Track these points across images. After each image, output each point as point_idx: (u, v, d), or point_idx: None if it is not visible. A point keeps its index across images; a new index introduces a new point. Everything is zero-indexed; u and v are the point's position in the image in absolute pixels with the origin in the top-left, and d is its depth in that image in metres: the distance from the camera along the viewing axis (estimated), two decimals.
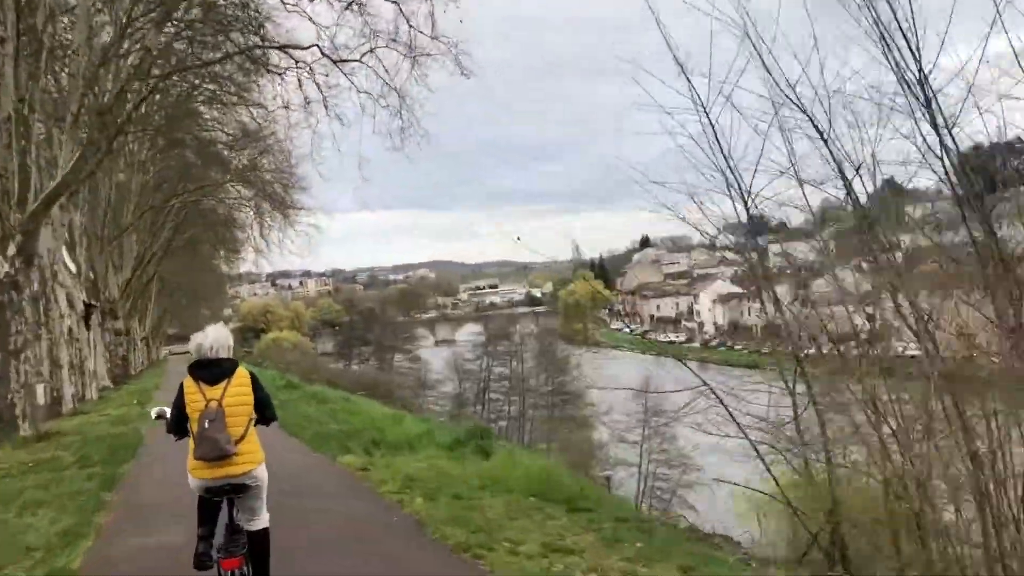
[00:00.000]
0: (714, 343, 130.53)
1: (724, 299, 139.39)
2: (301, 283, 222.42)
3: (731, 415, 8.72)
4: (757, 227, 10.27)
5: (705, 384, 8.69)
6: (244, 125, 38.41)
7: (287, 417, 17.57)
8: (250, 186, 42.94)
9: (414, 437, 12.70)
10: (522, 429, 62.28)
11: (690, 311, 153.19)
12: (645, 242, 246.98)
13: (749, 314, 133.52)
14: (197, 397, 5.90)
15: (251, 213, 46.94)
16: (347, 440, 13.17)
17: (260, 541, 6.12)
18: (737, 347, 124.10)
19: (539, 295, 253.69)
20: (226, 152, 41.81)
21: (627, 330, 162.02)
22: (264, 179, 41.75)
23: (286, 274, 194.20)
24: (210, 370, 6.00)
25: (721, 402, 8.72)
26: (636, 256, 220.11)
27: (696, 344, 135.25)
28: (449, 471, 10.31)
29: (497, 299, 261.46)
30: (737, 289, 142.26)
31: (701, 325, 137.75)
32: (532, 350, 64.76)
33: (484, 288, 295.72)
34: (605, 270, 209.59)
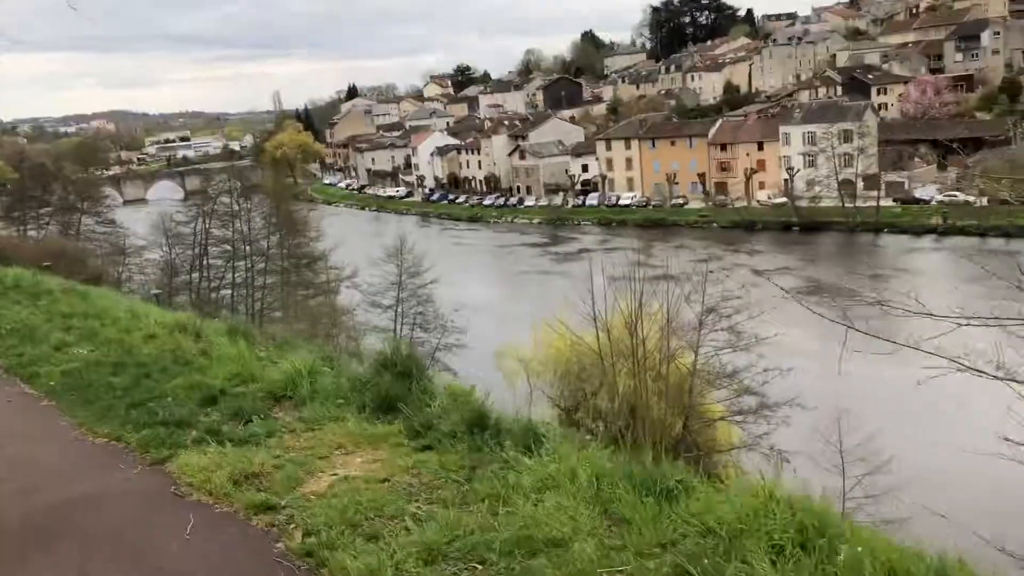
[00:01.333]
0: (435, 197, 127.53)
1: (442, 151, 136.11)
2: None
3: None
4: None
5: None
6: None
7: None
8: None
9: (278, 382, 6.76)
10: (251, 298, 55.50)
11: (408, 164, 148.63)
12: (353, 92, 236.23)
13: (468, 167, 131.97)
14: None
15: None
16: (138, 391, 6.95)
17: None
18: (459, 200, 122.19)
19: (238, 148, 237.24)
20: None
21: (342, 185, 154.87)
22: None
23: None
24: None
25: None
26: (345, 106, 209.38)
27: (417, 199, 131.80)
28: (467, 521, 4.40)
29: (191, 153, 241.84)
30: (454, 141, 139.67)
31: (421, 179, 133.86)
32: (260, 209, 57.02)
33: (175, 141, 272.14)
34: (312, 121, 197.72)
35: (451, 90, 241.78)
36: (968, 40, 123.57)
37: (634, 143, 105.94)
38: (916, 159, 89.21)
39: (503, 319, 56.92)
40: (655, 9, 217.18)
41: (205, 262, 59.36)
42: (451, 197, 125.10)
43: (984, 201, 75.51)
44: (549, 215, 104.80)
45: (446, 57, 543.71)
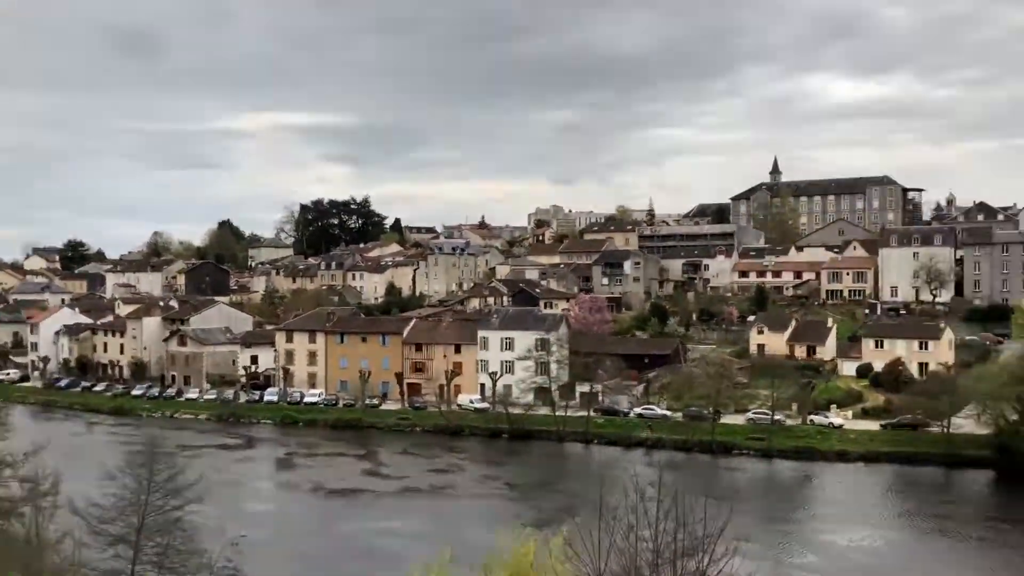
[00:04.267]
0: (63, 383, 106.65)
1: (72, 331, 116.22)
2: None
3: None
4: None
5: None
6: None
7: None
8: None
9: None
10: None
11: (18, 343, 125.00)
12: None
13: (106, 350, 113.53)
14: None
15: None
16: None
17: None
18: (98, 388, 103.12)
19: None
20: None
21: None
22: None
23: None
24: None
25: None
26: None
27: (36, 384, 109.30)
28: None
29: None
30: (86, 320, 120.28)
31: (45, 361, 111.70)
32: None
33: None
34: None
35: (58, 265, 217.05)
36: (612, 267, 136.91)
37: (320, 336, 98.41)
38: (600, 371, 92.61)
39: (247, 548, 45.06)
40: (304, 207, 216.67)
41: None
42: (86, 384, 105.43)
43: (679, 415, 79.67)
44: (220, 410, 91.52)
45: (37, 231, 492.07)
